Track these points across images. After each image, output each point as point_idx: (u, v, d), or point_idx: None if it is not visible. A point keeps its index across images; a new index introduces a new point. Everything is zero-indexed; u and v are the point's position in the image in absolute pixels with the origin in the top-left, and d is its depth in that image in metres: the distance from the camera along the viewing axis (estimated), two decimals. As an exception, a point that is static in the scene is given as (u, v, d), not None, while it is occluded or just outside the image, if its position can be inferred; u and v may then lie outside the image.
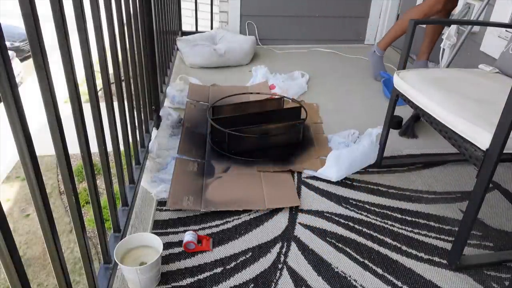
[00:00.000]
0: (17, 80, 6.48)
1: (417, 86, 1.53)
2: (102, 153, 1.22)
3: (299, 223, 1.56)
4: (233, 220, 1.56)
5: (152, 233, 1.46)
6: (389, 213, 1.64)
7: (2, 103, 0.70)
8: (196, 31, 3.57)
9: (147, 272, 1.21)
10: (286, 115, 2.13)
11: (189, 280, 1.30)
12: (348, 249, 1.45)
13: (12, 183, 4.28)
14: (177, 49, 3.18)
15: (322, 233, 1.52)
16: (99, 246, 1.25)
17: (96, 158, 1.18)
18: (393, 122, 1.87)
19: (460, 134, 1.30)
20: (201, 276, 1.32)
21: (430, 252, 1.45)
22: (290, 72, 2.90)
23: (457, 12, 2.55)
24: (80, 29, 1.04)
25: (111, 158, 1.33)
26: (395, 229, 1.56)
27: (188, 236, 1.41)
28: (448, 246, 1.47)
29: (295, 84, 2.70)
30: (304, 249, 1.44)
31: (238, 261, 1.38)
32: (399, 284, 1.32)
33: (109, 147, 1.28)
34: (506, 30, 2.20)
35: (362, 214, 1.62)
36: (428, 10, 2.51)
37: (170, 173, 1.76)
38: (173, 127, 2.12)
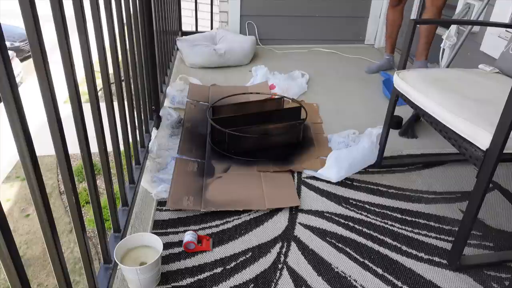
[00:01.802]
0: (17, 80, 6.47)
1: (417, 86, 1.53)
2: (102, 153, 1.23)
3: (299, 223, 1.56)
4: (233, 220, 1.56)
5: (152, 233, 1.46)
6: (389, 213, 1.64)
7: (2, 103, 0.70)
8: (196, 31, 3.57)
9: (147, 272, 1.21)
10: (286, 115, 2.13)
11: (189, 280, 1.30)
12: (348, 249, 1.45)
13: (12, 183, 4.28)
14: (177, 49, 3.18)
15: (322, 233, 1.52)
16: (99, 246, 1.25)
17: (96, 158, 1.18)
18: (393, 122, 1.87)
19: (460, 134, 1.30)
20: (201, 276, 1.32)
21: (430, 252, 1.45)
22: (290, 72, 2.90)
23: (457, 12, 2.55)
24: (80, 29, 1.04)
25: (111, 158, 1.33)
26: (395, 229, 1.56)
27: (188, 236, 1.42)
28: (448, 246, 1.47)
29: (295, 84, 2.70)
30: (304, 249, 1.44)
31: (238, 261, 1.38)
32: (399, 284, 1.32)
33: (109, 147, 1.28)
34: (506, 30, 2.20)
35: (362, 214, 1.62)
36: None
37: (170, 173, 1.76)
38: (173, 127, 2.12)
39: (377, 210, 1.65)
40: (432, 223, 1.59)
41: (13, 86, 0.70)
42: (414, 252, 1.45)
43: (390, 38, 3.01)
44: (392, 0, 2.87)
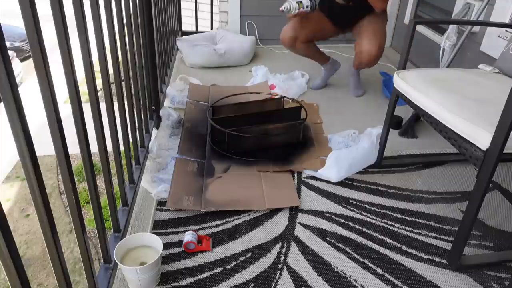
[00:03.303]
0: (17, 80, 6.47)
1: (417, 86, 1.53)
2: (102, 153, 1.23)
3: (299, 223, 1.56)
4: (233, 220, 1.56)
5: (152, 233, 1.46)
6: (389, 213, 1.64)
7: (2, 103, 0.70)
8: (196, 31, 3.57)
9: (147, 272, 1.21)
10: (286, 115, 2.13)
11: (189, 280, 1.30)
12: (348, 249, 1.45)
13: (12, 183, 4.28)
14: (177, 49, 3.18)
15: (322, 233, 1.52)
16: (99, 246, 1.25)
17: (96, 158, 1.18)
18: (393, 122, 1.87)
19: (460, 134, 1.30)
20: (201, 276, 1.32)
21: (430, 252, 1.45)
22: (290, 72, 2.90)
23: (457, 12, 2.56)
24: (80, 29, 1.04)
25: (111, 158, 1.33)
26: (395, 229, 1.56)
27: (188, 236, 1.42)
28: (448, 246, 1.47)
29: (295, 84, 2.70)
30: (304, 249, 1.44)
31: (238, 261, 1.38)
32: (399, 284, 1.32)
33: (109, 147, 1.28)
34: (506, 30, 2.19)
35: (362, 214, 1.62)
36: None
37: (170, 173, 1.76)
38: (173, 127, 2.12)
39: (377, 210, 1.65)
40: (432, 223, 1.59)
41: (13, 86, 0.70)
42: (414, 252, 1.45)
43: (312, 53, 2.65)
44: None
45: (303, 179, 1.82)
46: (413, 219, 1.61)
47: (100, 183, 1.40)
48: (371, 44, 2.33)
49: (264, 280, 1.31)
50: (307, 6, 2.22)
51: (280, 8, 2.21)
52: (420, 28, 3.10)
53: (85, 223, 1.08)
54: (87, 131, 1.07)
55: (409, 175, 1.89)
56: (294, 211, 1.62)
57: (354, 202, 1.69)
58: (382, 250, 1.45)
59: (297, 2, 2.19)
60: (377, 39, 2.33)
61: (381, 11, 2.37)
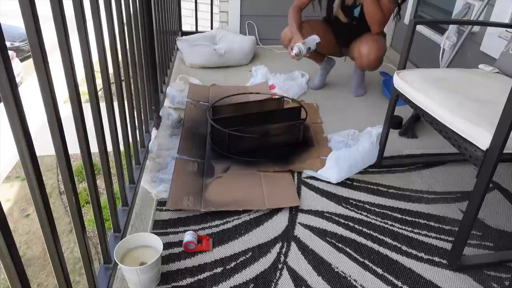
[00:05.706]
0: (17, 80, 6.47)
1: (417, 86, 1.53)
2: (102, 153, 1.23)
3: (299, 223, 1.56)
4: (233, 220, 1.56)
5: (152, 233, 1.46)
6: (389, 213, 1.64)
7: (2, 103, 0.70)
8: (196, 31, 3.57)
9: (147, 272, 1.21)
10: (286, 115, 2.13)
11: (189, 280, 1.30)
12: (348, 249, 1.45)
13: (12, 183, 4.28)
14: (177, 49, 3.18)
15: (322, 233, 1.52)
16: (99, 246, 1.25)
17: (96, 158, 1.18)
18: (393, 122, 1.87)
19: (460, 134, 1.30)
20: (201, 276, 1.32)
21: (430, 252, 1.45)
22: (290, 72, 2.90)
23: (457, 12, 2.56)
24: (80, 29, 1.04)
25: (111, 158, 1.33)
26: (395, 229, 1.56)
27: (188, 236, 1.42)
28: (448, 246, 1.47)
29: (295, 84, 2.70)
30: (304, 249, 1.44)
31: (238, 261, 1.38)
32: (399, 284, 1.32)
33: (109, 147, 1.28)
34: (506, 30, 2.19)
35: (362, 214, 1.62)
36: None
37: (170, 173, 1.76)
38: (173, 127, 2.12)
39: (377, 210, 1.65)
40: (432, 223, 1.59)
41: (13, 86, 0.70)
42: (414, 252, 1.45)
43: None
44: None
45: (303, 179, 1.82)
46: (413, 219, 1.61)
47: (100, 183, 1.40)
48: (370, 48, 2.34)
49: (264, 280, 1.31)
50: (309, 49, 2.22)
51: (292, 54, 2.20)
52: (420, 28, 3.10)
53: (85, 223, 1.08)
54: (87, 131, 1.07)
55: (409, 175, 1.89)
56: (294, 211, 1.62)
57: (354, 202, 1.69)
58: (382, 250, 1.45)
59: (302, 43, 2.18)
60: (377, 44, 2.35)
61: (376, 34, 2.40)
